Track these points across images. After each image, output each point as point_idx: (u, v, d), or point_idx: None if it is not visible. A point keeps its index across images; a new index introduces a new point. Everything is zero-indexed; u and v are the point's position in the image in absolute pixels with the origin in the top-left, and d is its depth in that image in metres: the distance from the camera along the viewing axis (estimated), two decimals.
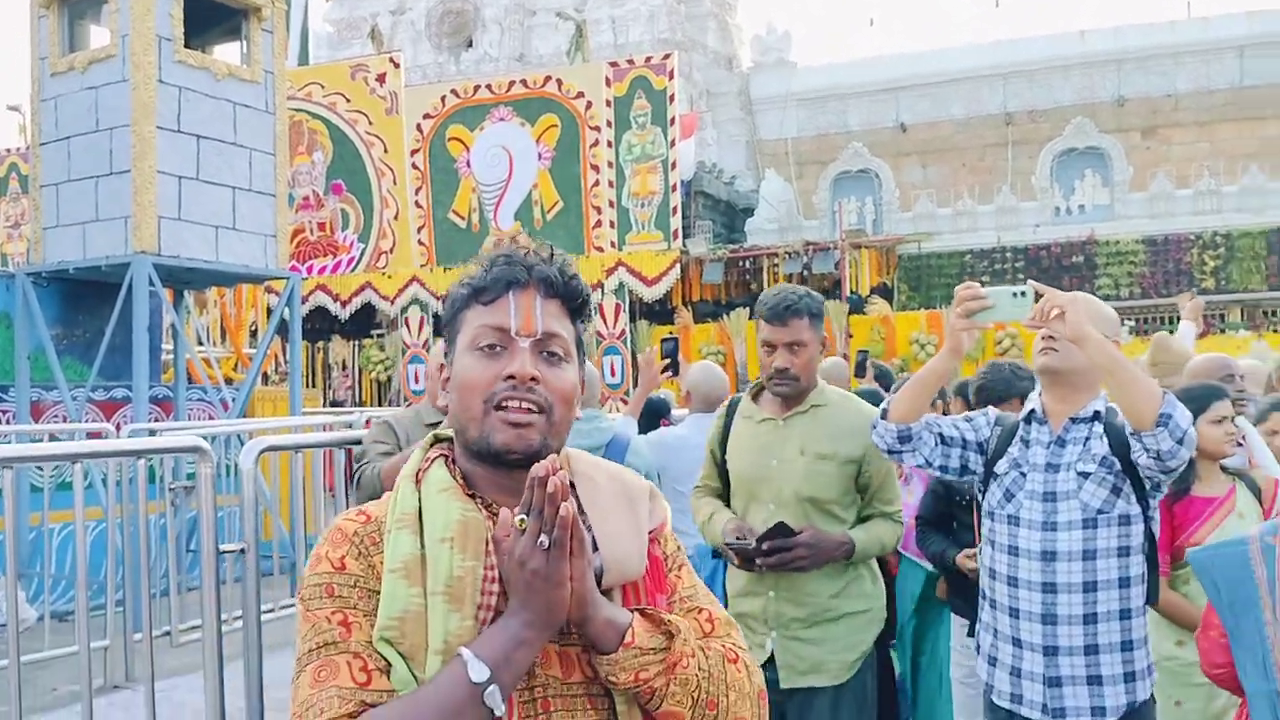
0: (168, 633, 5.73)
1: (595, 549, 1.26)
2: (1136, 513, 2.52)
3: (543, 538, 1.15)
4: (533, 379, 1.26)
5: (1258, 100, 20.87)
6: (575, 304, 1.35)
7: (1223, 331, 15.35)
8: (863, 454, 2.99)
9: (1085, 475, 2.52)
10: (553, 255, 1.35)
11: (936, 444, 2.75)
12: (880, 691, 4.06)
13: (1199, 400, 2.95)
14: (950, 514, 3.63)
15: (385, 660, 1.20)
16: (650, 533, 1.36)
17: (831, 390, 3.16)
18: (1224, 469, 3.17)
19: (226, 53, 8.72)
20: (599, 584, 1.25)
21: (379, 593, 1.23)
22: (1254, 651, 2.21)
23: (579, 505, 1.30)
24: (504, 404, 1.26)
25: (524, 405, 1.26)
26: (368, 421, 3.62)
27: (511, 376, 1.26)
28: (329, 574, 1.25)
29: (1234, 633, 2.26)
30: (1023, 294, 2.47)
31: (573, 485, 1.33)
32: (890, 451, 2.80)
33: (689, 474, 4.28)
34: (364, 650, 1.21)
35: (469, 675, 1.15)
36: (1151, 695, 2.57)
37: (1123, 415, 2.44)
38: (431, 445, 1.37)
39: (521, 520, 1.17)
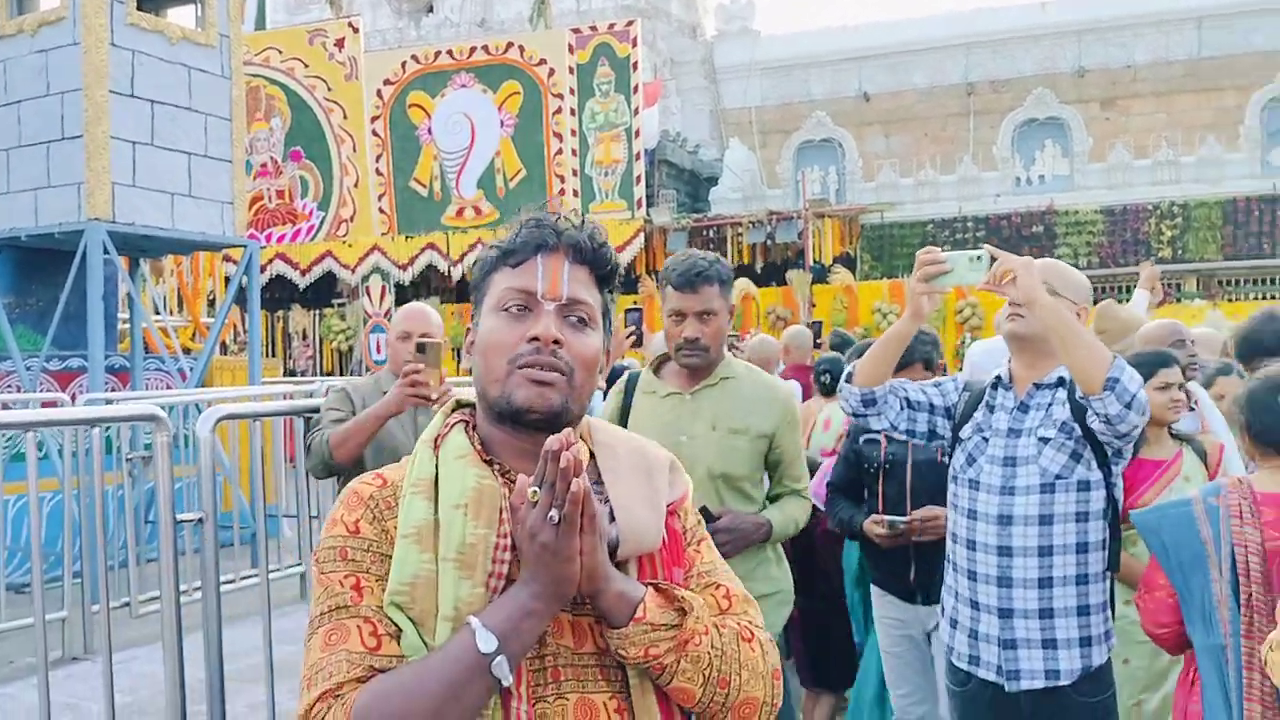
0: (127, 604, 5.69)
1: (612, 519, 1.25)
2: (1097, 479, 2.54)
3: (553, 512, 1.15)
4: (556, 342, 1.26)
5: (1215, 71, 21.09)
6: (603, 272, 1.36)
7: (1179, 301, 15.59)
8: (774, 429, 2.92)
9: (1045, 440, 2.54)
10: (584, 222, 1.35)
11: (902, 408, 2.77)
12: (843, 659, 4.12)
13: (1145, 366, 2.99)
14: (861, 481, 3.58)
15: (396, 625, 1.20)
16: (670, 505, 1.35)
17: (738, 362, 3.06)
18: (1172, 433, 3.23)
19: (181, 16, 8.55)
20: (613, 555, 1.24)
21: (391, 557, 1.23)
22: (1202, 608, 2.32)
23: (597, 474, 1.31)
24: (527, 365, 1.26)
25: (546, 366, 1.26)
26: (328, 391, 3.54)
27: (536, 338, 1.26)
28: (343, 537, 1.25)
29: (1183, 592, 2.38)
30: (979, 258, 2.50)
31: (592, 455, 1.34)
32: (856, 415, 2.81)
33: None
34: (375, 615, 1.21)
35: (477, 645, 1.15)
36: (1109, 660, 2.59)
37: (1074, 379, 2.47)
38: (453, 410, 1.37)
39: (534, 492, 1.16)
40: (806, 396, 6.05)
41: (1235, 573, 2.25)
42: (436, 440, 1.31)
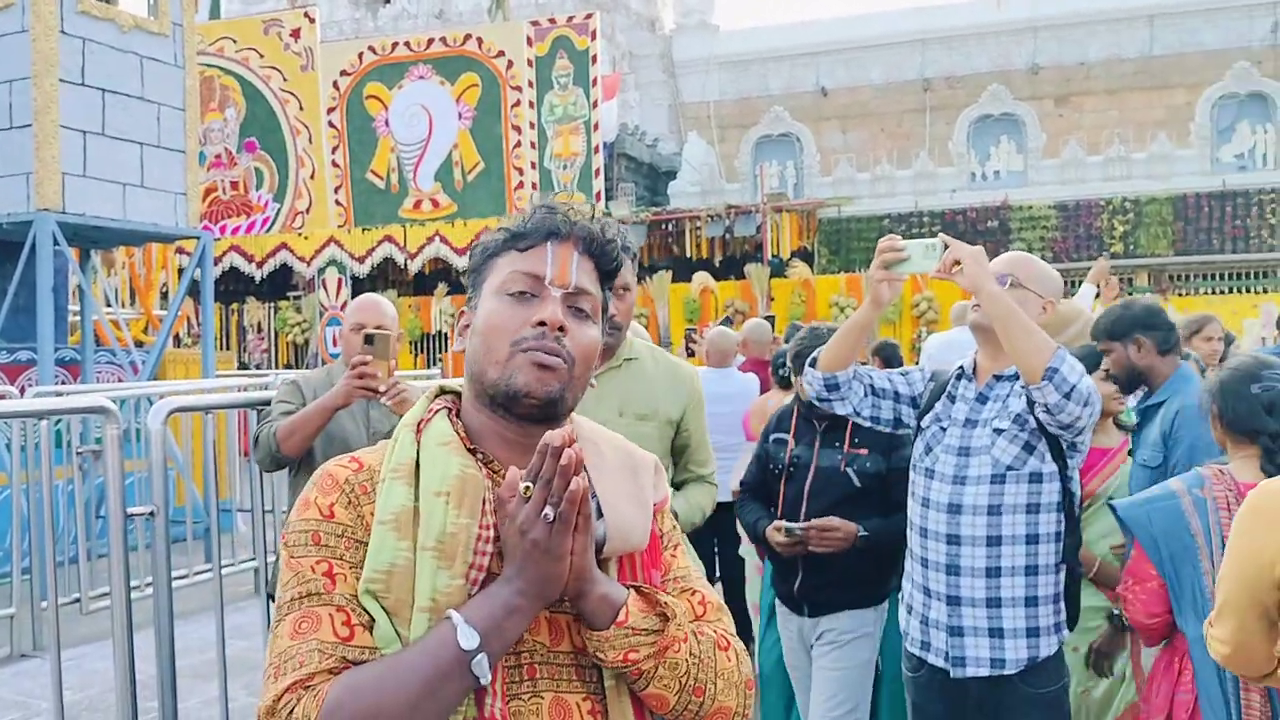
0: (77, 600, 5.61)
1: (600, 515, 1.22)
2: (1050, 471, 2.55)
3: (548, 510, 1.12)
4: (560, 328, 1.24)
5: (1166, 69, 21.47)
6: (609, 268, 1.34)
7: (1130, 294, 15.86)
8: (682, 414, 2.82)
9: (999, 432, 2.56)
10: (593, 215, 1.34)
11: (866, 394, 2.80)
12: None
13: (1087, 360, 3.03)
14: (768, 483, 3.47)
15: (369, 615, 1.16)
16: (654, 506, 1.33)
17: (640, 342, 2.90)
18: (1118, 423, 3.29)
19: (133, 4, 8.42)
20: (599, 553, 1.22)
21: (367, 544, 1.19)
22: (1194, 600, 2.36)
23: (585, 472, 1.26)
24: (531, 348, 1.23)
25: (550, 351, 1.23)
26: (281, 384, 3.44)
27: (542, 323, 1.24)
28: (316, 521, 1.20)
29: (1173, 583, 2.41)
30: (934, 247, 2.54)
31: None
32: (820, 400, 2.83)
33: None
34: (348, 604, 1.16)
35: (458, 641, 1.12)
36: (1059, 651, 2.61)
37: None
38: (436, 396, 1.33)
39: (527, 487, 1.13)
40: (765, 389, 6.10)
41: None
42: (419, 425, 1.27)
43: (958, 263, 2.47)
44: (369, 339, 3.12)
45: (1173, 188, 16.96)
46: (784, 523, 3.18)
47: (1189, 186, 16.92)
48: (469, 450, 1.24)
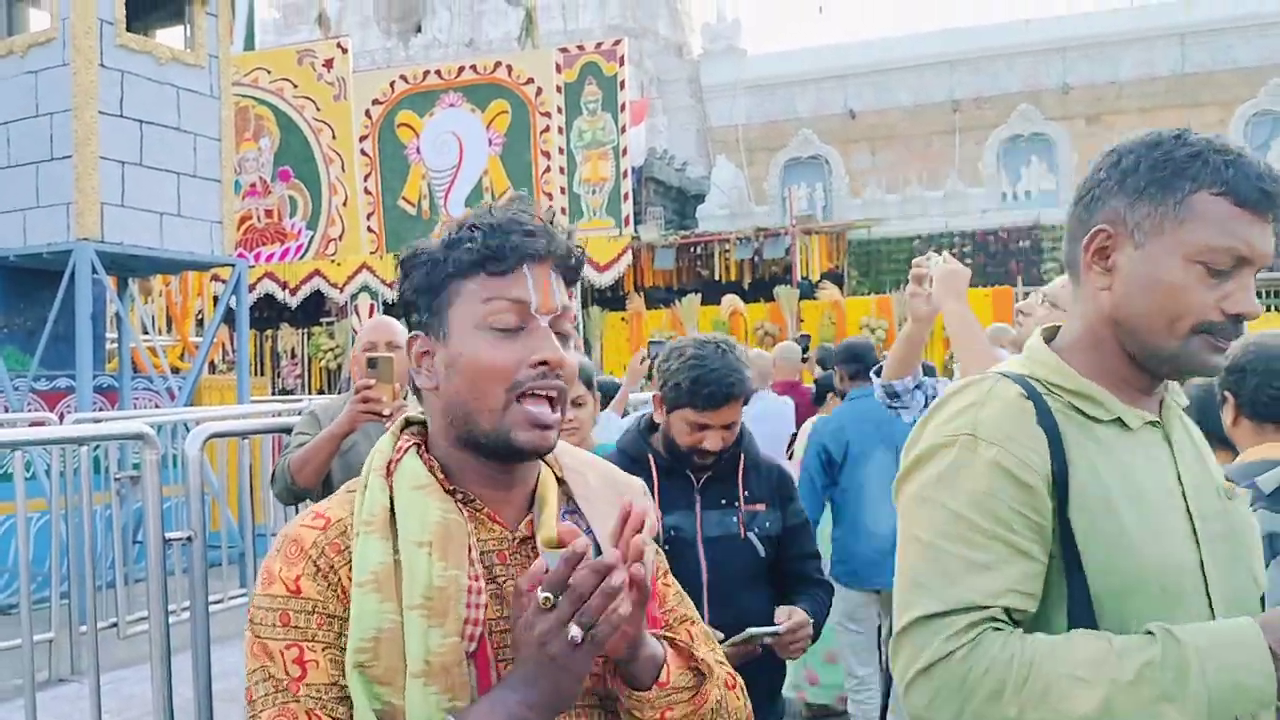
0: (114, 625, 5.67)
1: (598, 552, 1.14)
2: None
3: (575, 632, 1.00)
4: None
5: (1198, 87, 21.30)
6: (575, 277, 1.23)
7: None
8: None
9: None
10: (553, 221, 1.21)
11: (925, 405, 2.86)
12: None
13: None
14: None
15: (345, 708, 1.07)
16: None
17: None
18: None
19: (170, 37, 8.59)
20: None
21: (341, 617, 1.08)
22: None
23: (574, 505, 1.21)
24: (532, 392, 1.12)
25: (552, 402, 1.14)
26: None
27: (544, 362, 1.13)
28: (283, 598, 1.08)
29: None
30: (945, 263, 2.67)
31: (564, 481, 1.23)
32: (888, 407, 2.95)
33: None
34: (319, 701, 1.06)
35: None
36: None
37: None
38: (402, 430, 1.21)
39: (547, 599, 1.01)
40: (799, 411, 6.10)
41: None
42: (388, 468, 1.15)
43: (924, 277, 2.61)
44: (372, 363, 3.04)
45: None
46: (752, 630, 2.31)
47: None
48: (448, 492, 1.14)
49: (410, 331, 1.21)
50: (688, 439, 2.40)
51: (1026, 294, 13.28)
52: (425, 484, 1.13)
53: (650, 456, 2.46)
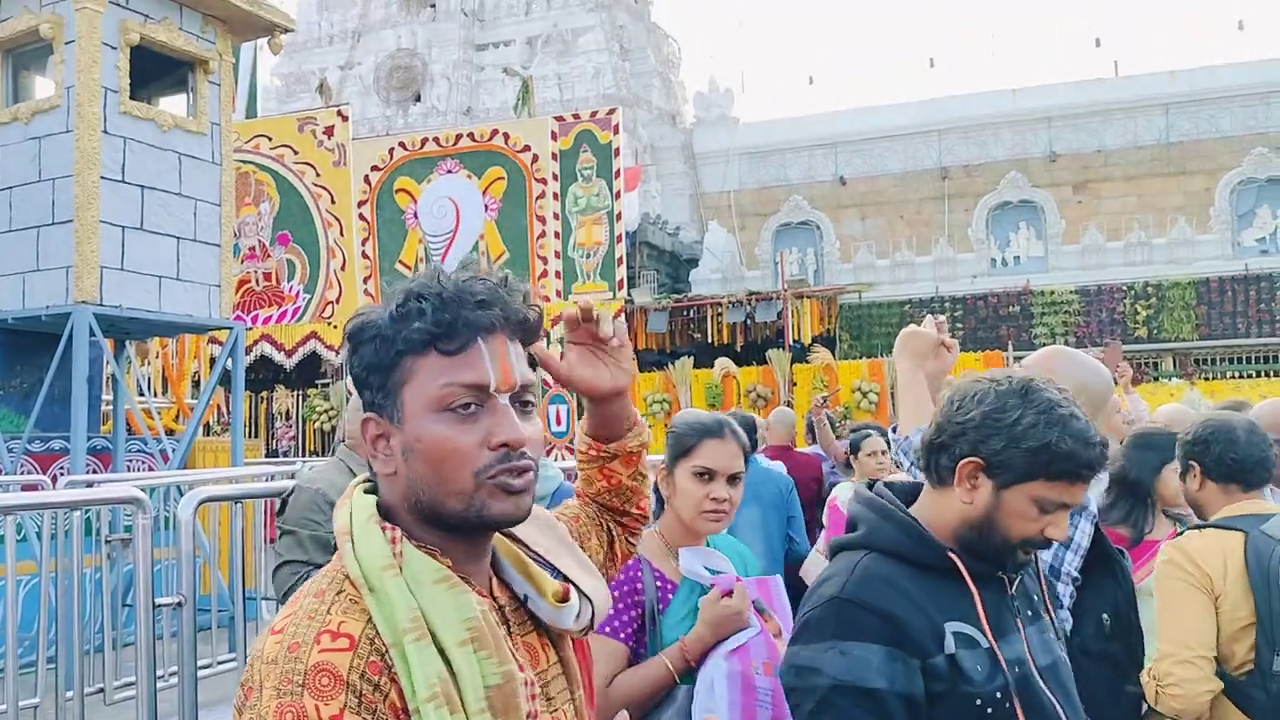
0: (101, 690, 5.62)
1: (582, 595, 1.16)
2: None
3: None
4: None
5: (1183, 155, 21.68)
6: (534, 339, 1.16)
7: (1156, 379, 15.81)
8: None
9: None
10: (507, 283, 1.13)
11: None
12: None
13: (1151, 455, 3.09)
14: None
15: None
16: None
17: None
18: (1167, 514, 3.23)
19: (174, 104, 8.74)
20: (590, 626, 1.18)
21: None
22: None
23: (536, 554, 1.19)
24: (500, 475, 1.07)
25: (521, 473, 1.08)
26: (296, 489, 3.00)
27: (505, 444, 1.07)
28: None
29: None
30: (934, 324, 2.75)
31: (517, 539, 1.20)
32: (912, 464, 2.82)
33: None
34: None
35: None
36: None
37: None
38: (373, 519, 1.09)
39: None
40: (802, 485, 6.12)
41: None
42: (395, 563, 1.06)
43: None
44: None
45: (1195, 272, 17.01)
46: None
47: (1211, 271, 16.97)
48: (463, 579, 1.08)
49: (363, 411, 1.13)
50: (1032, 526, 1.60)
51: (1018, 358, 13.40)
52: (444, 577, 1.05)
53: (954, 557, 1.62)
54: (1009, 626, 1.63)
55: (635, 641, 2.12)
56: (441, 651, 1.00)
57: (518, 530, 1.17)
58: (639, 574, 2.19)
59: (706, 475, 2.24)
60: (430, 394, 1.07)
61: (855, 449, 5.27)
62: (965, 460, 1.59)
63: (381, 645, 1.00)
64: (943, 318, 2.72)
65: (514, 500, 1.08)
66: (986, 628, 1.58)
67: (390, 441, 1.09)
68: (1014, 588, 1.68)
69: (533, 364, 1.17)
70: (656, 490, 2.35)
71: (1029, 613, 1.70)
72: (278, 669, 0.97)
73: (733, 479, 2.26)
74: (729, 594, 2.09)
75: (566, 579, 1.18)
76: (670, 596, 2.17)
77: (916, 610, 1.55)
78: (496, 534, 1.17)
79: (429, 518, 1.09)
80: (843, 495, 4.65)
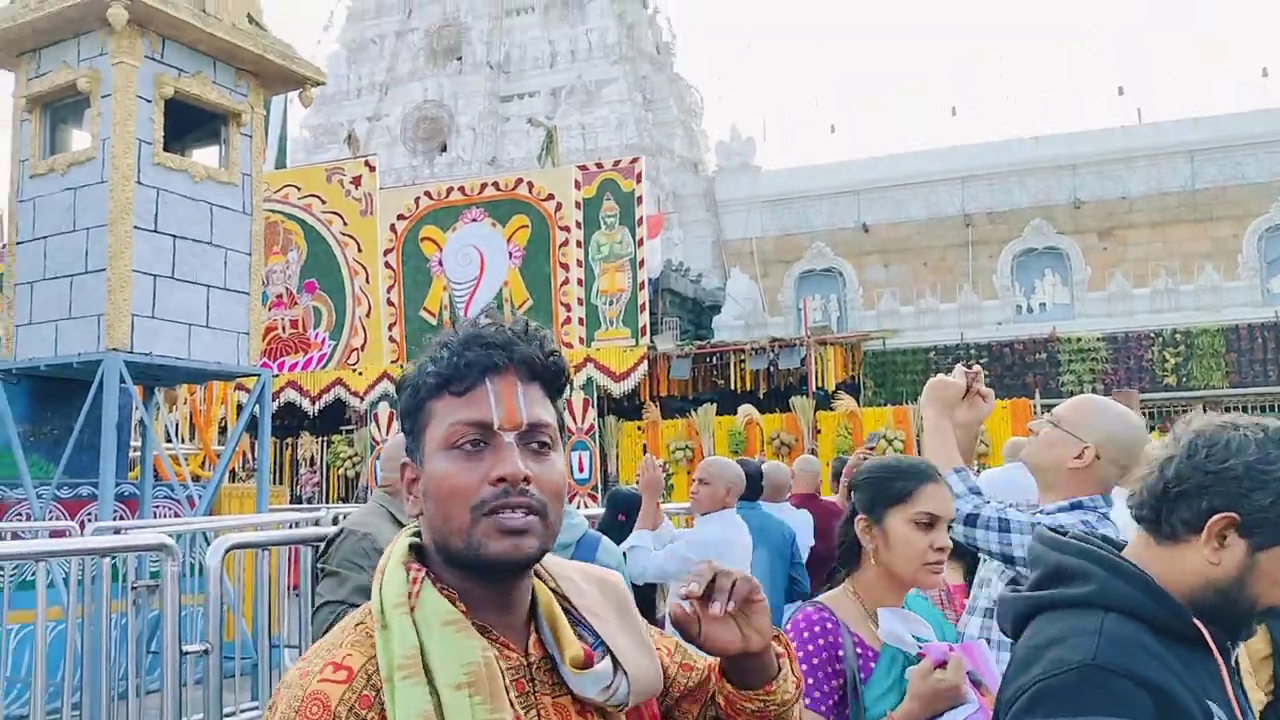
0: None
1: (617, 667, 1.13)
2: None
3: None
4: (525, 479, 1.09)
5: (1209, 202, 21.62)
6: (559, 384, 1.17)
7: None
8: None
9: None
10: (528, 330, 1.16)
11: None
12: None
13: None
14: None
15: None
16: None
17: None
18: None
19: (206, 155, 8.90)
20: (626, 703, 1.14)
21: None
22: None
23: (579, 616, 1.17)
24: (496, 510, 1.08)
25: (519, 510, 1.08)
26: (343, 533, 3.06)
27: (502, 479, 1.08)
28: None
29: None
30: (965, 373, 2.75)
31: (559, 592, 1.19)
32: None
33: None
34: None
35: None
36: None
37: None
38: (406, 560, 1.13)
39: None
40: (828, 533, 6.09)
41: None
42: (410, 602, 1.09)
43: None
44: None
45: (1224, 319, 16.87)
46: None
47: (1240, 318, 16.83)
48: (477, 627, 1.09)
49: (404, 456, 1.19)
50: None
51: (1045, 406, 13.30)
52: (453, 620, 1.07)
53: (1199, 624, 1.41)
54: (1245, 708, 1.43)
55: (836, 715, 1.94)
56: (436, 693, 1.02)
57: (570, 587, 1.18)
58: (839, 640, 2.00)
59: (929, 523, 2.07)
60: (440, 433, 1.11)
61: None
62: (1218, 516, 1.37)
63: (378, 681, 1.03)
64: (977, 367, 2.71)
65: (512, 540, 1.07)
66: (1237, 709, 1.37)
67: (418, 483, 1.14)
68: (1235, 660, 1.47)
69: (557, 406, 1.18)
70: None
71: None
72: (288, 693, 1.03)
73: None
74: (942, 665, 1.91)
75: (606, 645, 1.15)
76: (871, 665, 1.99)
77: (1180, 683, 1.33)
78: (543, 587, 1.17)
79: (447, 559, 1.11)
80: None
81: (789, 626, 2.04)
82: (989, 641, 2.43)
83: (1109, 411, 2.53)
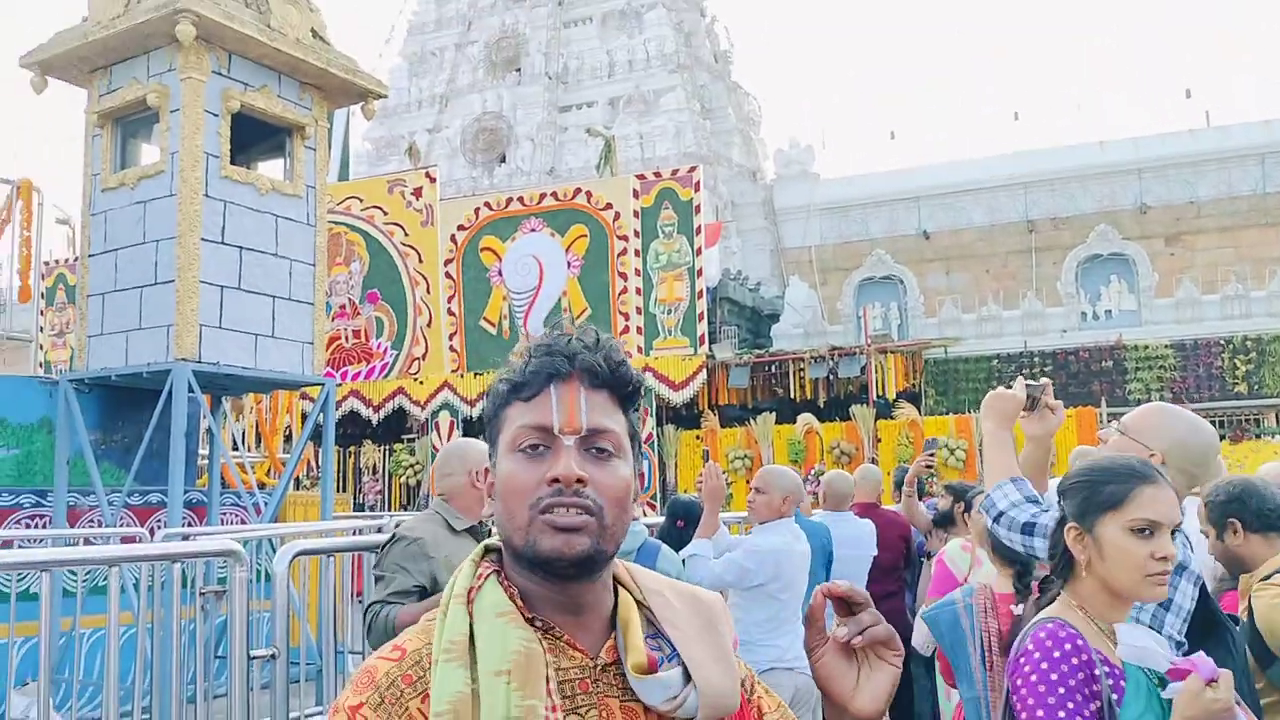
0: None
1: (688, 680, 1.13)
2: None
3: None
4: (579, 480, 1.13)
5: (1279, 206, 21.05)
6: (625, 392, 1.20)
7: (1258, 437, 15.20)
8: None
9: None
10: (599, 341, 1.20)
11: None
12: None
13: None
14: None
15: None
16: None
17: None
18: None
19: (271, 168, 9.06)
20: (694, 717, 1.13)
21: None
22: (966, 673, 3.09)
23: (658, 629, 1.18)
24: (550, 509, 1.13)
25: (572, 509, 1.13)
26: (395, 538, 3.13)
27: (556, 480, 1.13)
28: None
29: (953, 661, 3.15)
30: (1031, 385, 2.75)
31: (644, 605, 1.20)
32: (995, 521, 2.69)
33: (791, 582, 4.25)
34: None
35: None
36: None
37: None
38: (483, 556, 1.20)
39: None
40: (889, 543, 6.02)
41: (983, 648, 3.05)
42: (469, 594, 1.15)
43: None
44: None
45: None
46: None
47: None
48: (527, 620, 1.13)
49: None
50: None
51: (1111, 415, 13.01)
52: (506, 612, 1.12)
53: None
54: None
55: None
56: (476, 680, 1.07)
57: (656, 600, 1.20)
58: (1091, 658, 1.86)
59: (1149, 530, 1.90)
60: (508, 437, 1.18)
61: (968, 506, 5.13)
62: None
63: (427, 662, 1.10)
64: (1048, 381, 2.69)
65: (564, 538, 1.12)
66: None
67: (494, 486, 1.20)
68: None
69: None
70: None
71: None
72: (357, 671, 1.13)
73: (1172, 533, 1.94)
74: (1212, 682, 1.78)
75: (680, 656, 1.16)
76: (1123, 684, 1.85)
77: None
78: (628, 597, 1.20)
79: (514, 557, 1.17)
80: (951, 552, 4.56)
81: (1032, 644, 1.89)
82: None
83: (1178, 419, 2.51)
